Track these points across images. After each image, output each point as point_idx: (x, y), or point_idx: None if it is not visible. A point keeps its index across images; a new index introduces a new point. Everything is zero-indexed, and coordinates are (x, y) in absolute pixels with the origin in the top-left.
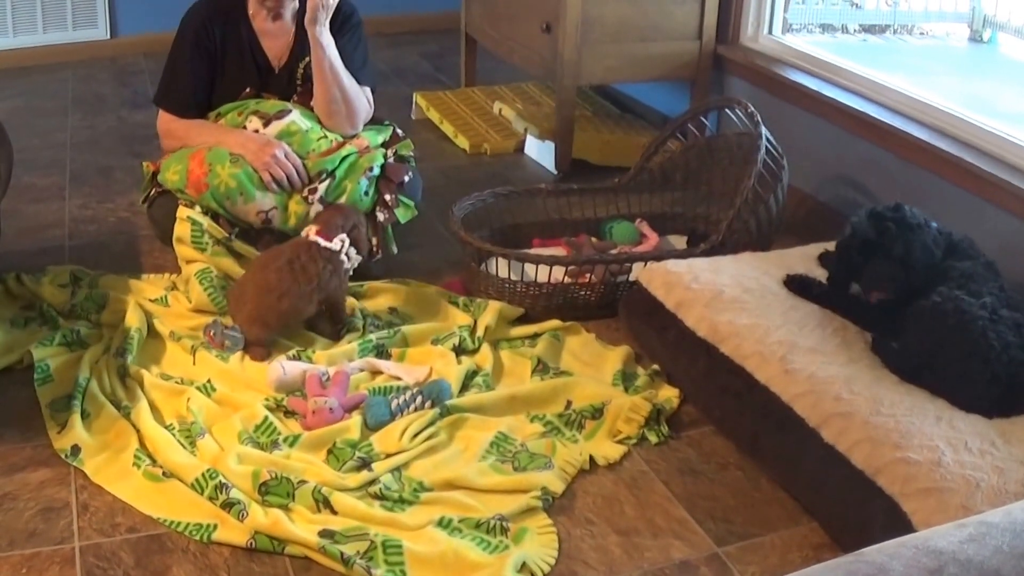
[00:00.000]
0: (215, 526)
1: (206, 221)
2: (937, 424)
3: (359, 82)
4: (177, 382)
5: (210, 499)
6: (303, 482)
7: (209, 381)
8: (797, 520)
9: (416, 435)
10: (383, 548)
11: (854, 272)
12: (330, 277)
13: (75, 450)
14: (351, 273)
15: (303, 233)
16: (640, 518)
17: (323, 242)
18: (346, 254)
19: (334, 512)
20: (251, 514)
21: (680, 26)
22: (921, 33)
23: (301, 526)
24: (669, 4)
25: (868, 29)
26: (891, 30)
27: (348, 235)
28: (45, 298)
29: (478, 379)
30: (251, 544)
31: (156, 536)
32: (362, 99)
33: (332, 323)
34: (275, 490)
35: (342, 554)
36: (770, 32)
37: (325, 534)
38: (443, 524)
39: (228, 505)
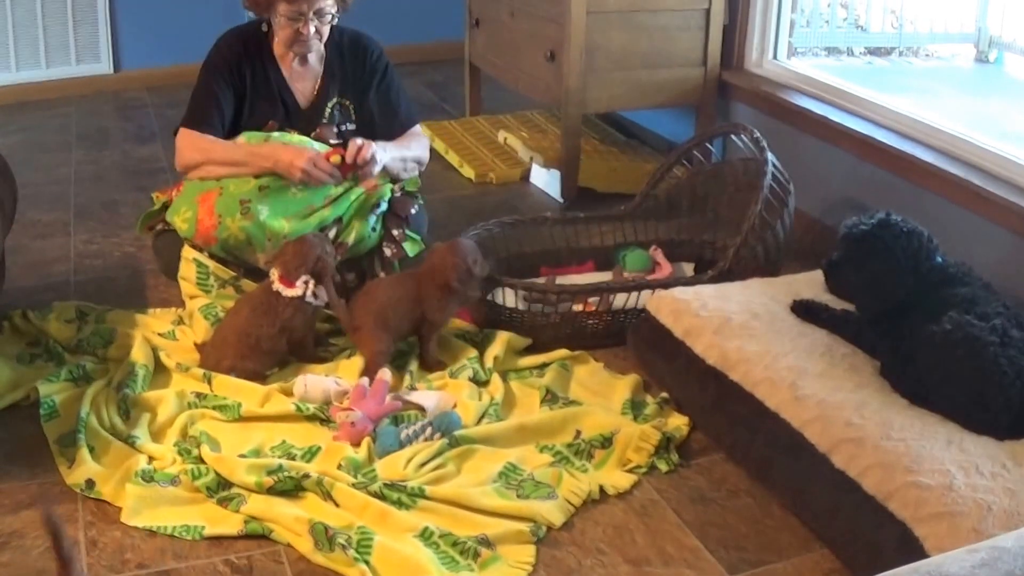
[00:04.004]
0: (203, 527)
1: (212, 264)
2: (948, 448)
3: (406, 122)
4: (193, 403)
5: (207, 489)
6: (306, 476)
7: (238, 403)
8: (809, 547)
9: (422, 465)
10: (357, 532)
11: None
12: (292, 317)
13: (89, 484)
14: (321, 307)
15: (270, 274)
16: (651, 547)
17: (284, 291)
18: (313, 293)
19: (336, 504)
20: (249, 502)
21: (684, 53)
22: (927, 54)
23: (296, 511)
24: (673, 31)
25: (873, 51)
26: (897, 52)
27: (313, 270)
28: (51, 334)
29: (489, 410)
30: (241, 532)
31: (165, 572)
32: (421, 146)
33: (303, 353)
34: (279, 488)
35: (326, 529)
36: (775, 57)
37: (319, 523)
38: (424, 535)
39: (226, 500)
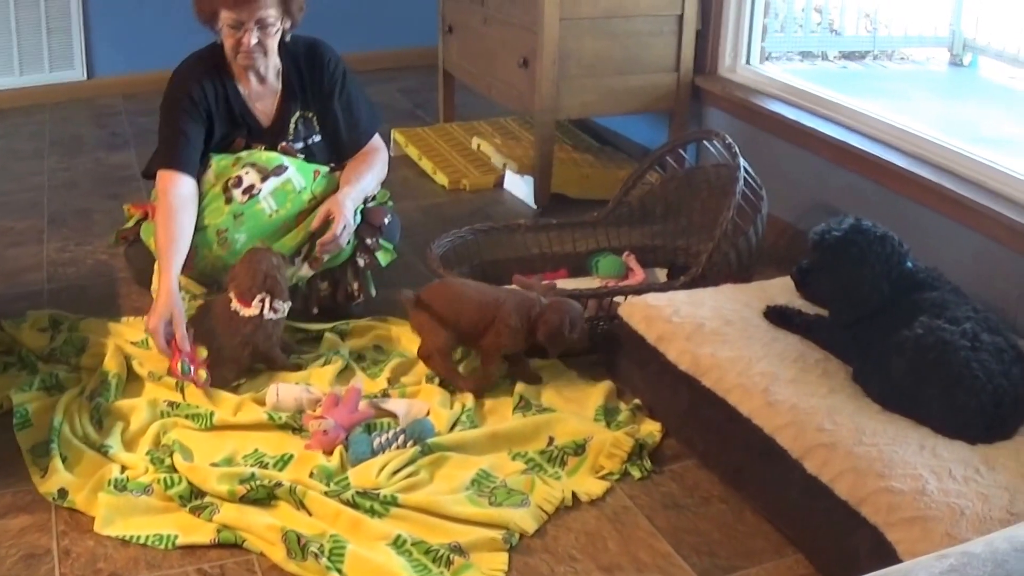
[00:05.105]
0: (176, 536)
1: (183, 279)
2: (920, 452)
3: (368, 132)
4: (165, 412)
5: (180, 498)
6: (279, 484)
7: (210, 412)
8: (782, 552)
9: (395, 472)
10: (329, 541)
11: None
12: (254, 333)
13: (62, 493)
14: (284, 319)
15: (228, 291)
16: (624, 554)
17: (241, 310)
18: (272, 308)
19: (309, 513)
20: (222, 511)
21: (657, 58)
22: (901, 58)
23: (269, 519)
24: (646, 36)
25: (848, 56)
26: (871, 56)
27: (266, 287)
28: (24, 343)
29: (462, 417)
30: (214, 541)
31: None
32: (380, 166)
33: (274, 363)
34: (252, 496)
35: (299, 538)
36: (748, 62)
37: (291, 531)
38: (397, 543)
39: (198, 509)
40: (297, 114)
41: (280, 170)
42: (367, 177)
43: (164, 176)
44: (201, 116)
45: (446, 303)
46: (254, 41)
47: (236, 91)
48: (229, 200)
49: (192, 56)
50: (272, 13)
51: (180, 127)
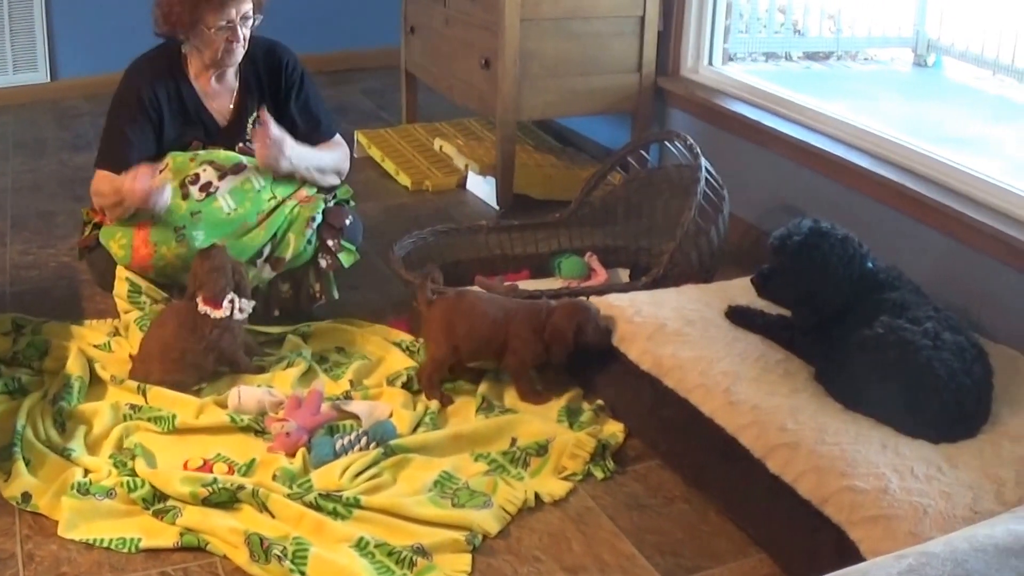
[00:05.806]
0: (139, 539)
1: (144, 284)
2: (883, 451)
3: (329, 133)
4: (128, 415)
5: (143, 501)
6: (241, 487)
7: (173, 415)
8: (746, 552)
9: (358, 474)
10: (292, 543)
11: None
12: (220, 337)
13: (26, 497)
14: (247, 319)
15: (195, 297)
16: (587, 555)
17: (212, 312)
18: (239, 309)
19: (272, 516)
20: (185, 514)
21: (619, 59)
22: (865, 59)
23: (232, 522)
24: (607, 37)
25: (812, 56)
26: (835, 56)
27: (235, 285)
28: None
29: (425, 418)
30: (177, 544)
31: None
32: (341, 155)
33: (238, 366)
34: (215, 499)
35: (262, 540)
36: (710, 63)
37: (254, 534)
38: (360, 545)
39: (162, 512)
40: (255, 114)
41: (238, 168)
42: (323, 151)
43: (101, 176)
44: (149, 118)
45: (460, 317)
46: (241, 37)
47: (191, 91)
48: (186, 196)
49: (142, 57)
50: (250, 6)
51: (122, 129)
